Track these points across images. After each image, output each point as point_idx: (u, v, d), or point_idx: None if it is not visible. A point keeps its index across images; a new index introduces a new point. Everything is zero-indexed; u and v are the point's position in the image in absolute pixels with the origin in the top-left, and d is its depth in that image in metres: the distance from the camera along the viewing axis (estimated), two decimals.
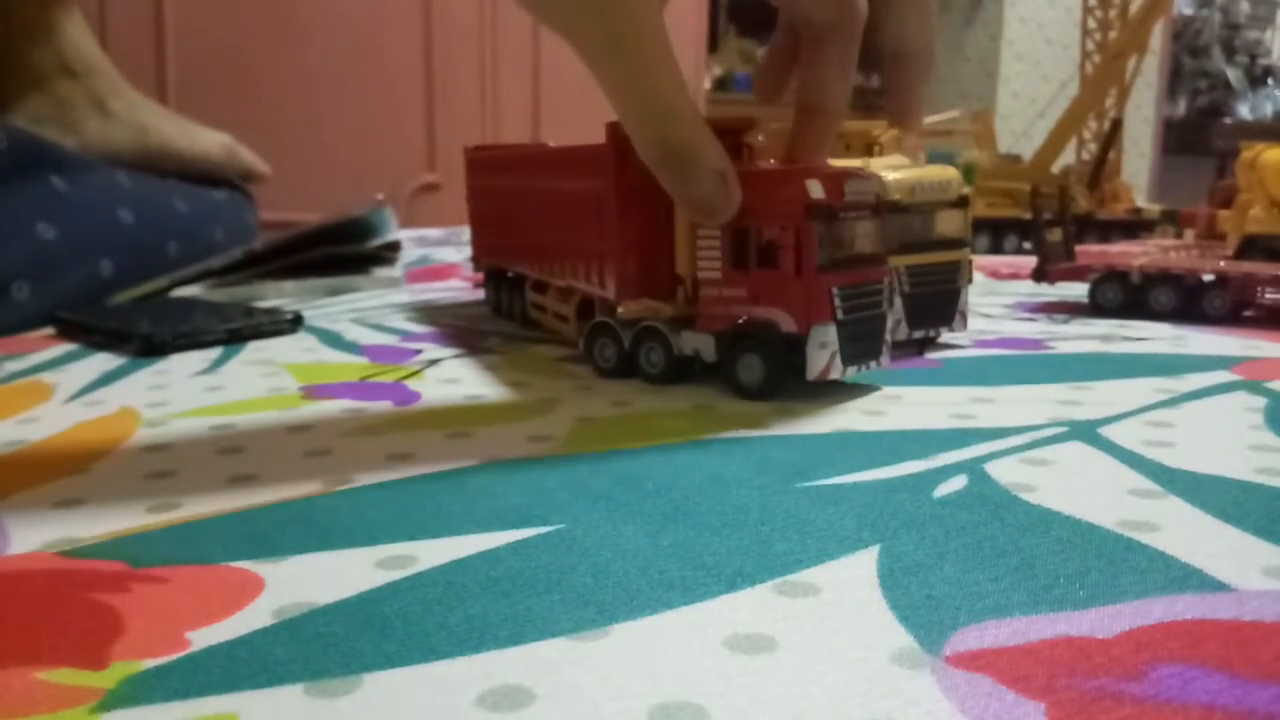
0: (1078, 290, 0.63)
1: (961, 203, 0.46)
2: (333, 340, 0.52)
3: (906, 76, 0.39)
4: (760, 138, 0.40)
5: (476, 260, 0.63)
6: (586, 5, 0.32)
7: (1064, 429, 0.33)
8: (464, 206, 0.64)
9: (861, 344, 0.37)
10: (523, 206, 0.52)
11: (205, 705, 0.17)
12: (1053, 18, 3.54)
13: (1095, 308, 0.58)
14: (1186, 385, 0.40)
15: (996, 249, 1.05)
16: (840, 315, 0.36)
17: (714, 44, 3.60)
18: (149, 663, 0.19)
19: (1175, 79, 4.11)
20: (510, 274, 0.56)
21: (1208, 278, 0.55)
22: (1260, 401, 0.37)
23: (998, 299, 0.65)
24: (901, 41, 0.38)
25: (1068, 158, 1.28)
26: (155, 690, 0.18)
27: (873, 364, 0.37)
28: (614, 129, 0.38)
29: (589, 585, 0.22)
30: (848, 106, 0.39)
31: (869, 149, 0.49)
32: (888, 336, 0.38)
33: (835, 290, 0.35)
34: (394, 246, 0.82)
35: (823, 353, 0.36)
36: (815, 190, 0.35)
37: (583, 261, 0.43)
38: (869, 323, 0.37)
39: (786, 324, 0.36)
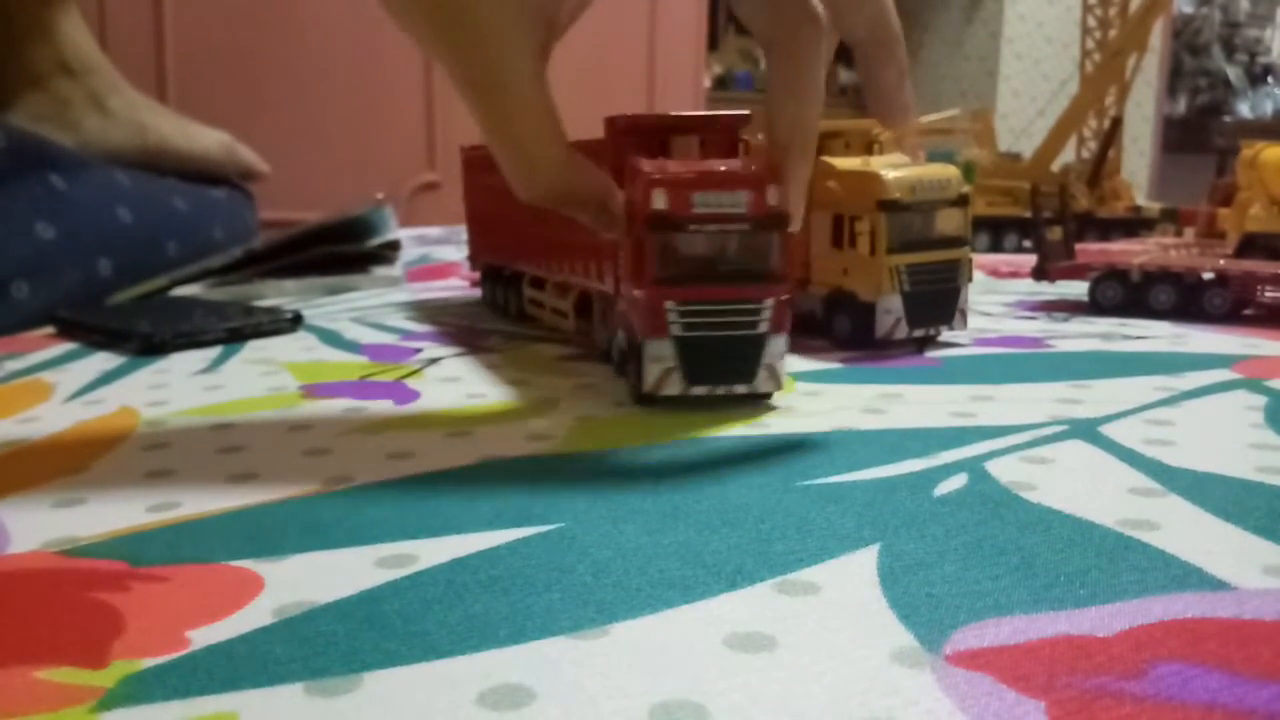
0: (1078, 289, 0.63)
1: (961, 201, 0.46)
2: (332, 339, 0.52)
3: (872, 71, 0.34)
4: (759, 136, 0.40)
5: (473, 259, 0.63)
6: (448, 48, 0.30)
7: (1064, 427, 0.33)
8: (464, 205, 0.64)
9: (714, 365, 0.35)
10: (519, 203, 0.52)
11: (205, 704, 0.17)
12: (1052, 16, 3.53)
13: (1095, 306, 0.58)
14: (1187, 383, 0.40)
15: (996, 247, 1.05)
16: (678, 332, 0.34)
17: (714, 42, 3.60)
18: (149, 662, 0.19)
19: (1175, 77, 4.11)
20: (506, 271, 0.56)
21: (1208, 276, 0.55)
22: (1260, 400, 0.37)
23: (998, 297, 0.65)
24: (847, 34, 0.34)
25: (1067, 156, 1.28)
26: (155, 689, 0.18)
27: (739, 388, 0.36)
28: (612, 123, 0.38)
29: (589, 584, 0.22)
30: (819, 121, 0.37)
31: (868, 147, 0.49)
32: (775, 363, 0.35)
33: (671, 305, 0.34)
34: (394, 245, 0.82)
35: (655, 367, 0.35)
36: (658, 200, 0.34)
37: (581, 256, 0.44)
38: (726, 345, 0.35)
39: (636, 334, 0.36)
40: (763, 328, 0.35)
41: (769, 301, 0.35)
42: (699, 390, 0.35)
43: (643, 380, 0.35)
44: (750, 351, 0.35)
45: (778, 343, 0.35)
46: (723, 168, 0.35)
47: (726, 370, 0.35)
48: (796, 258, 0.48)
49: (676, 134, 0.38)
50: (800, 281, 0.49)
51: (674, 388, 0.35)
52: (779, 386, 0.36)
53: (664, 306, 0.34)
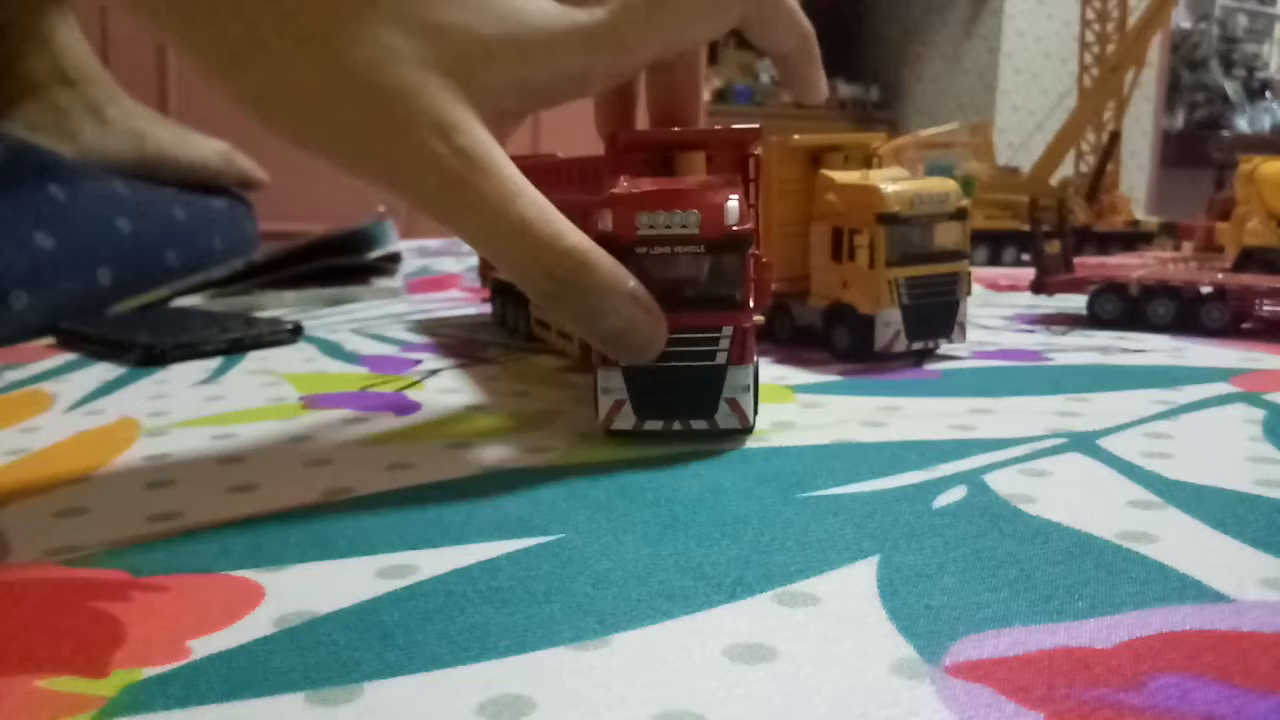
0: (1076, 302, 0.63)
1: (960, 215, 0.46)
2: (333, 350, 0.52)
3: (793, 67, 0.37)
4: (760, 150, 0.39)
5: (484, 274, 0.62)
6: (405, 155, 0.28)
7: (1063, 440, 0.34)
8: None
9: (666, 398, 0.33)
10: None
11: (206, 713, 0.17)
12: (1051, 30, 3.55)
13: (1094, 319, 0.59)
14: (1185, 397, 0.40)
15: (995, 261, 1.05)
16: (625, 362, 0.33)
17: (713, 57, 3.61)
18: (150, 671, 0.19)
19: (1173, 92, 4.12)
20: (516, 289, 0.55)
21: (1206, 290, 0.55)
22: (1258, 413, 0.37)
23: (996, 310, 0.65)
24: (775, 48, 0.36)
25: (1066, 170, 1.29)
26: (156, 698, 0.18)
27: (697, 424, 0.33)
28: (613, 139, 0.38)
29: (589, 595, 0.22)
30: (704, 118, 0.38)
31: (867, 161, 0.49)
32: (737, 397, 0.33)
33: None
34: (394, 258, 0.82)
35: (605, 399, 0.33)
36: (604, 222, 0.32)
37: None
38: (679, 376, 0.33)
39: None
40: (720, 359, 0.32)
41: (726, 330, 0.32)
42: (652, 425, 0.33)
43: (597, 413, 0.33)
44: (706, 384, 0.33)
45: (740, 375, 0.33)
46: (682, 187, 0.33)
47: (681, 404, 0.33)
48: (796, 271, 0.49)
49: (681, 150, 0.38)
50: (800, 294, 0.49)
51: (625, 422, 0.33)
52: (745, 423, 0.33)
53: None
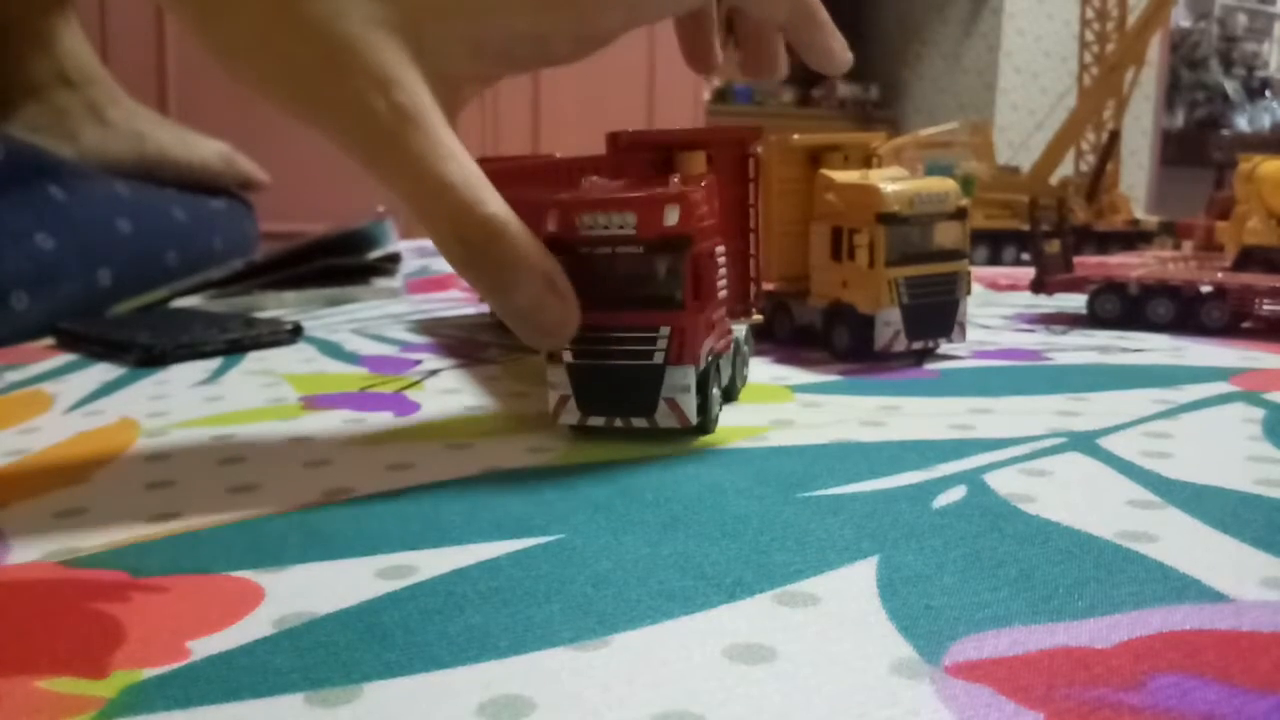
0: (1076, 301, 0.63)
1: (960, 214, 0.46)
2: (332, 351, 0.52)
3: (796, 38, 0.36)
4: (760, 148, 0.40)
5: None
6: (344, 100, 0.29)
7: (1063, 440, 0.34)
8: None
9: (606, 395, 0.33)
10: (525, 220, 0.51)
11: (206, 714, 0.17)
12: (1051, 30, 3.55)
13: (1093, 319, 0.58)
14: (1185, 396, 0.40)
15: (995, 260, 1.05)
16: (568, 358, 0.33)
17: None
18: (149, 672, 0.19)
19: (1173, 91, 4.12)
20: None
21: (1206, 289, 0.55)
22: (1258, 413, 0.37)
23: (996, 310, 0.65)
24: (768, 20, 0.36)
25: (1066, 169, 1.29)
26: (156, 699, 0.18)
27: (637, 422, 0.33)
28: (614, 139, 0.38)
29: (589, 595, 0.22)
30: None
31: (867, 161, 0.49)
32: (676, 397, 0.33)
33: None
34: (394, 258, 0.82)
35: (553, 394, 0.34)
36: (551, 222, 0.33)
37: None
38: (618, 374, 0.33)
39: None
40: (657, 358, 0.33)
41: (664, 330, 0.32)
42: (595, 421, 0.34)
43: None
44: (645, 383, 0.33)
45: (678, 375, 0.33)
46: (634, 189, 0.33)
47: (621, 401, 0.33)
48: (796, 271, 0.49)
49: (681, 150, 0.38)
50: (800, 294, 0.49)
51: (570, 417, 0.34)
52: (685, 423, 0.33)
53: None
